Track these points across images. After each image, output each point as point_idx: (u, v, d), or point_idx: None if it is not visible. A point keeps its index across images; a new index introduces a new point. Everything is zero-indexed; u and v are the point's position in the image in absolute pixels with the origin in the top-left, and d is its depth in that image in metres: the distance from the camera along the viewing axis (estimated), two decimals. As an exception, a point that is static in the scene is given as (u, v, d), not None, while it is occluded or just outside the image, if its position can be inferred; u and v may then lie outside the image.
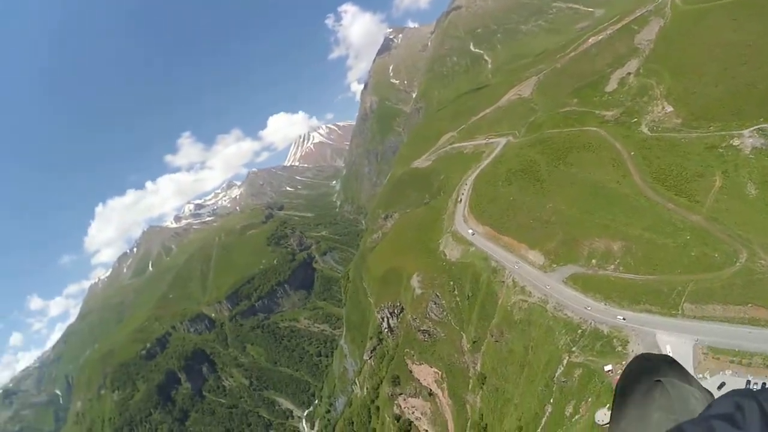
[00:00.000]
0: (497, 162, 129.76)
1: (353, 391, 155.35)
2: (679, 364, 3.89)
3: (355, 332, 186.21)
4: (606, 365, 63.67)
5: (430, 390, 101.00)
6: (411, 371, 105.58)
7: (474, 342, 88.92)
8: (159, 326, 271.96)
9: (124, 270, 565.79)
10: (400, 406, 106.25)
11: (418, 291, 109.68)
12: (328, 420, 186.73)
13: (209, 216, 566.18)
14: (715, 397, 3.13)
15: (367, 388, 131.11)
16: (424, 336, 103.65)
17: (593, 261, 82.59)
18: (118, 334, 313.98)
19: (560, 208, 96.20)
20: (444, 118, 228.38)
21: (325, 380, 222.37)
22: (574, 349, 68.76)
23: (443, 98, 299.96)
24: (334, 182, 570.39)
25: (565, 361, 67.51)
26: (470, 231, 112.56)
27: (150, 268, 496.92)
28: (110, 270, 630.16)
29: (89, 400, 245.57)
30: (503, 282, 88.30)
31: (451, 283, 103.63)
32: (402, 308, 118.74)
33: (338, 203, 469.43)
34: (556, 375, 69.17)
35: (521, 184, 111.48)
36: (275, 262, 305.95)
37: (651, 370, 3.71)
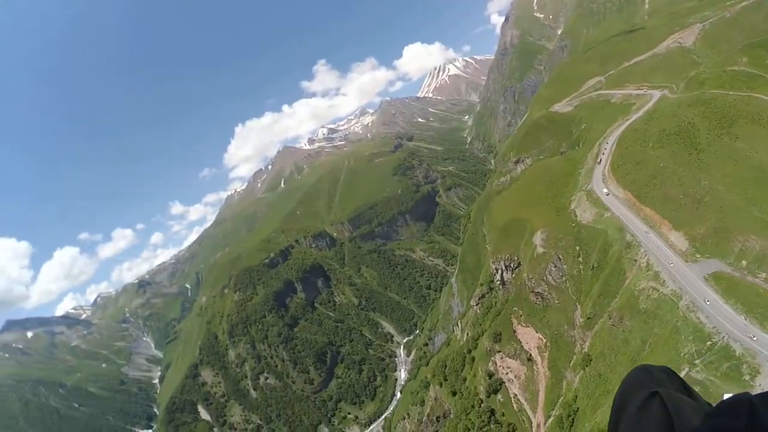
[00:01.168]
0: (649, 118, 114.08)
1: (453, 332, 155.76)
2: (677, 375, 3.98)
3: (467, 274, 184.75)
4: (726, 393, 51.99)
5: (530, 355, 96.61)
6: (515, 331, 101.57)
7: (588, 318, 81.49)
8: (284, 239, 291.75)
9: (258, 185, 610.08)
10: (496, 364, 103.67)
11: (540, 249, 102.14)
12: (424, 353, 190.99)
13: (341, 141, 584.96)
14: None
15: (467, 335, 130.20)
16: (537, 298, 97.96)
17: (743, 262, 69.06)
18: (246, 242, 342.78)
19: (717, 188, 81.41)
20: (591, 60, 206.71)
21: (429, 313, 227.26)
22: (697, 362, 59.13)
23: (591, 38, 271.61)
24: (466, 117, 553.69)
25: (683, 373, 57.35)
26: (605, 191, 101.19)
27: (282, 185, 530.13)
28: (245, 184, 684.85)
29: (213, 297, 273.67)
30: (635, 261, 77.52)
31: (577, 248, 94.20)
32: (519, 264, 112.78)
33: (468, 139, 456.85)
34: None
35: (675, 149, 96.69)
36: (399, 191, 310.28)
37: (649, 382, 3.78)
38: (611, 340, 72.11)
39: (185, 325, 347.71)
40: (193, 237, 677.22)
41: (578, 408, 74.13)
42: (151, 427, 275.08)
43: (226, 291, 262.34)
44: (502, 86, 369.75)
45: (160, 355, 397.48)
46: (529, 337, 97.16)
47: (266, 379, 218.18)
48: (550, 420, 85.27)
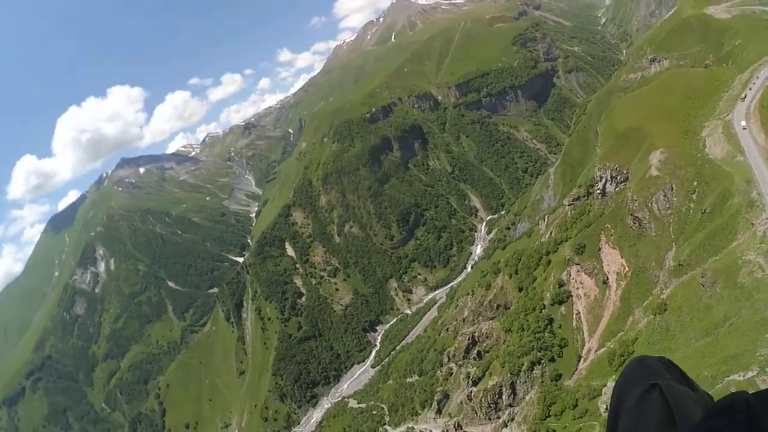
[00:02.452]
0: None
1: (538, 224, 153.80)
2: (677, 366, 3.97)
3: (567, 168, 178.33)
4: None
5: (607, 278, 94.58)
6: (600, 249, 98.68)
7: (680, 265, 76.49)
8: (388, 95, 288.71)
9: (368, 37, 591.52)
10: (570, 275, 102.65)
11: (654, 172, 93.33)
12: (504, 236, 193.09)
13: None
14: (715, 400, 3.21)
15: (551, 234, 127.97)
16: (634, 223, 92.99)
17: None
18: (351, 93, 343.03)
19: None
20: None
21: (519, 197, 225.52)
22: (770, 368, 49.98)
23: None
24: None
25: (747, 375, 49.93)
26: (743, 125, 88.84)
27: (392, 39, 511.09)
28: (355, 35, 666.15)
29: (312, 144, 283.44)
30: (752, 225, 67.09)
31: (695, 183, 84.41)
32: (627, 179, 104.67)
33: (602, 20, 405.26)
34: (732, 378, 51.09)
35: None
36: (515, 63, 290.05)
37: (648, 374, 3.77)
38: (694, 300, 67.46)
39: (284, 168, 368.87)
40: (299, 84, 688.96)
41: (634, 351, 72.20)
42: (243, 255, 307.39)
43: (325, 140, 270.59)
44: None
45: (258, 192, 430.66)
46: (612, 260, 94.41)
47: (350, 227, 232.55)
48: (602, 350, 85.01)
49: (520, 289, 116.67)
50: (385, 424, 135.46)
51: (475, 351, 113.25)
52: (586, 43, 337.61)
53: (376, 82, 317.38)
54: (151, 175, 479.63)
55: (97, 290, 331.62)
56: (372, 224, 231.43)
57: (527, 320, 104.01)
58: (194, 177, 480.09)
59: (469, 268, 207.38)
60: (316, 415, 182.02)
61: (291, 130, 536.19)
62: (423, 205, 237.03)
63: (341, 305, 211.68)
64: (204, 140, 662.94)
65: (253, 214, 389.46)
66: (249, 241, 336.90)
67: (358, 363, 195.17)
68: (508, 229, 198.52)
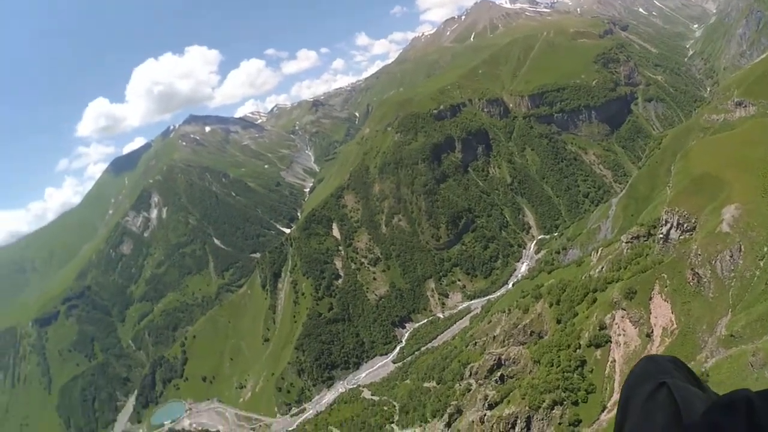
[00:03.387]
0: None
1: (590, 255, 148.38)
2: (684, 364, 4.00)
3: (631, 202, 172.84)
4: None
5: (652, 332, 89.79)
6: (651, 299, 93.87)
7: (731, 336, 71.78)
8: (458, 94, 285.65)
9: (447, 33, 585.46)
10: (613, 319, 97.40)
11: (725, 227, 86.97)
12: (552, 260, 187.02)
13: (545, 8, 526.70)
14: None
15: (602, 269, 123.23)
16: (693, 279, 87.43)
17: None
18: (421, 87, 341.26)
19: None
20: None
21: (575, 223, 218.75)
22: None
23: None
24: (695, 26, 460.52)
25: None
26: None
27: (471, 39, 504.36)
28: (434, 29, 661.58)
29: (376, 131, 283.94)
30: None
31: (765, 249, 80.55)
32: (694, 229, 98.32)
33: (690, 52, 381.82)
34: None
35: None
36: (593, 82, 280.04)
37: (656, 372, 3.81)
38: (738, 378, 61.79)
39: (344, 150, 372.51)
40: (372, 70, 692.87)
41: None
42: (290, 227, 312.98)
43: (389, 129, 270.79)
44: (748, 6, 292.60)
45: (316, 169, 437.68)
46: (662, 313, 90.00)
47: (399, 220, 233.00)
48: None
49: (559, 321, 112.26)
50: (393, 422, 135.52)
51: (499, 374, 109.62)
52: (670, 74, 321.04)
53: (449, 80, 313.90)
54: (215, 135, 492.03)
55: (145, 234, 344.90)
56: (421, 221, 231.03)
57: (559, 356, 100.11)
58: (257, 144, 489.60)
59: (510, 285, 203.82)
60: (328, 396, 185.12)
61: (357, 114, 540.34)
62: (476, 212, 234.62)
63: (375, 295, 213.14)
64: (272, 110, 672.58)
65: (307, 189, 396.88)
66: (298, 214, 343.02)
67: (381, 355, 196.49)
68: (558, 253, 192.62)
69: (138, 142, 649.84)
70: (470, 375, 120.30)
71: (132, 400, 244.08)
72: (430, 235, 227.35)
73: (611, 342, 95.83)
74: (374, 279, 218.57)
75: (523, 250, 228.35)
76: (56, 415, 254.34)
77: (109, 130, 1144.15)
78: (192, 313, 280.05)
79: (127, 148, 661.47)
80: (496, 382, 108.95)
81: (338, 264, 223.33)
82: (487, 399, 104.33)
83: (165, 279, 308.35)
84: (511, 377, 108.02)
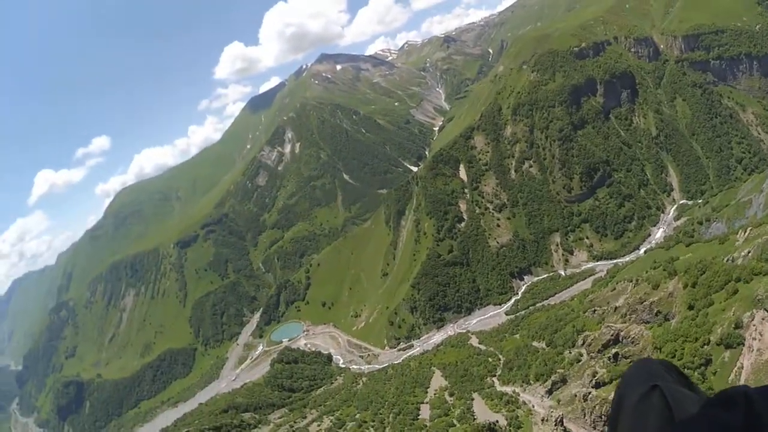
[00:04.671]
0: None
1: (736, 233, 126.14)
2: (677, 368, 4.04)
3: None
4: None
5: None
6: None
7: None
8: (602, 31, 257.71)
9: None
10: (752, 319, 73.57)
11: None
12: (692, 231, 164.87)
13: None
14: None
15: (748, 255, 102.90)
16: None
17: None
18: (561, 22, 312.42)
19: None
20: None
21: (723, 191, 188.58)
22: None
23: None
24: None
25: None
26: None
27: None
28: None
29: (510, 69, 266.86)
30: None
31: None
32: None
33: None
34: None
35: None
36: (757, 27, 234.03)
37: (649, 376, 3.83)
38: None
39: (476, 88, 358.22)
40: (507, 3, 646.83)
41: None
42: (417, 166, 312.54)
43: (524, 67, 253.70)
44: None
45: (446, 107, 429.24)
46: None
47: (530, 167, 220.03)
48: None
49: (691, 307, 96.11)
50: (494, 376, 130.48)
51: (614, 351, 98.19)
52: None
53: (591, 14, 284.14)
54: (346, 73, 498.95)
55: (279, 168, 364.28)
56: (553, 169, 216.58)
57: (683, 348, 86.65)
58: (387, 81, 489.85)
59: (641, 251, 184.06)
60: (437, 337, 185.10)
61: (490, 51, 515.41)
62: (614, 165, 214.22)
63: (497, 242, 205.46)
64: (402, 47, 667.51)
65: (436, 128, 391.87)
66: (426, 153, 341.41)
67: (495, 305, 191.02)
68: (701, 224, 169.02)
69: (273, 82, 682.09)
70: (583, 344, 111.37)
71: (256, 317, 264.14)
72: (562, 185, 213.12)
73: (744, 345, 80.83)
74: (497, 226, 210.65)
75: (662, 215, 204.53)
76: (188, 325, 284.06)
77: (245, 71, 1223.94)
78: (318, 242, 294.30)
79: (263, 88, 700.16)
80: (609, 359, 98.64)
81: (462, 207, 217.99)
82: (595, 377, 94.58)
83: (296, 209, 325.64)
84: (626, 357, 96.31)
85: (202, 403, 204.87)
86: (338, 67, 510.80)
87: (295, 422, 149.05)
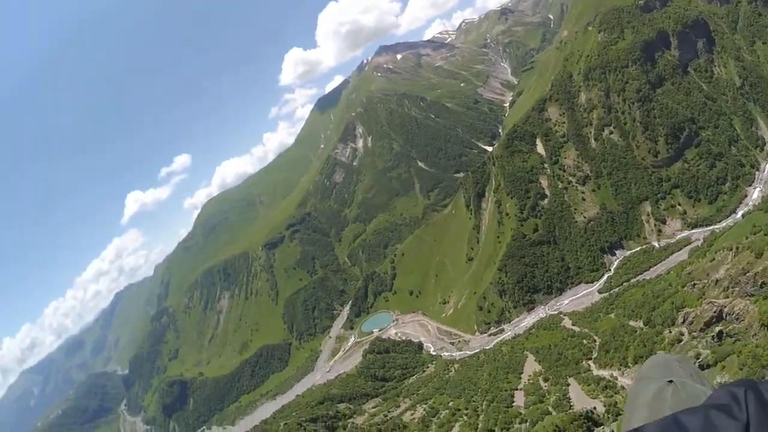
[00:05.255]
0: None
1: None
2: (691, 364, 4.17)
3: None
4: None
5: None
6: None
7: None
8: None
9: None
10: None
11: None
12: None
13: None
14: None
15: None
16: None
17: None
18: None
19: None
20: None
21: None
22: None
23: None
24: None
25: None
26: None
27: None
28: None
29: (575, 33, 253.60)
30: None
31: None
32: None
33: None
34: None
35: None
36: None
37: (664, 371, 3.93)
38: None
39: (542, 57, 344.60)
40: None
41: None
42: (492, 145, 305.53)
43: (589, 28, 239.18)
44: None
45: (514, 81, 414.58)
46: None
47: (610, 133, 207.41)
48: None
49: None
50: (590, 359, 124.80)
51: (717, 329, 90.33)
52: None
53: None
54: (407, 61, 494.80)
55: (354, 163, 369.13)
56: (635, 134, 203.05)
57: None
58: (449, 63, 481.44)
59: (739, 215, 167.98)
60: (528, 320, 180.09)
61: (551, 16, 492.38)
62: (699, 122, 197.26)
63: (584, 217, 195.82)
64: (459, 26, 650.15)
65: (507, 104, 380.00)
66: (500, 131, 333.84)
67: (586, 283, 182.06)
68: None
69: (337, 80, 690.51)
70: (683, 322, 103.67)
71: (346, 310, 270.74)
72: (647, 150, 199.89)
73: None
74: (583, 199, 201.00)
75: (756, 172, 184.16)
76: (281, 321, 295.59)
77: (308, 74, 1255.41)
78: (400, 232, 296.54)
79: (328, 87, 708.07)
80: (713, 339, 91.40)
81: (543, 183, 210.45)
82: (698, 359, 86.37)
83: (375, 202, 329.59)
84: (731, 336, 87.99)
85: (299, 394, 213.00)
86: (398, 56, 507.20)
87: (389, 411, 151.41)
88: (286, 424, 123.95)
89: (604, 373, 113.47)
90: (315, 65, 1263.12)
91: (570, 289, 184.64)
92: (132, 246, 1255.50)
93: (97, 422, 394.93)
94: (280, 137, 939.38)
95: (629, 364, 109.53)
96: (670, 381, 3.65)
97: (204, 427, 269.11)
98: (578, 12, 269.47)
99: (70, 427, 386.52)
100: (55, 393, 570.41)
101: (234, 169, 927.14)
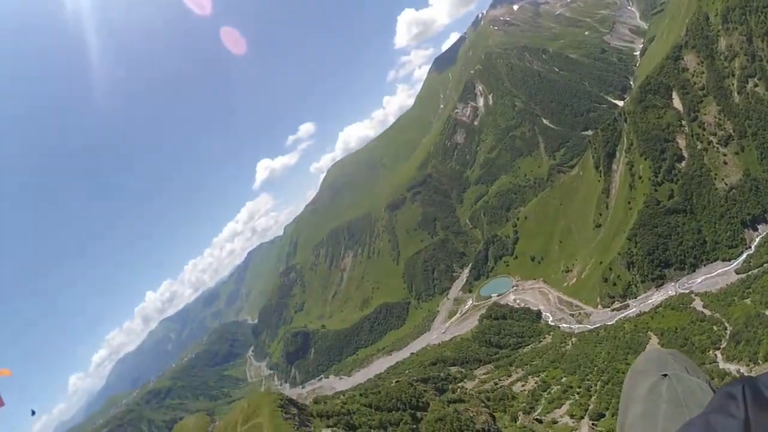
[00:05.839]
0: None
1: None
2: (685, 357, 4.10)
3: None
4: None
5: None
6: None
7: None
8: None
9: None
10: None
11: None
12: None
13: None
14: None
15: None
16: None
17: None
18: None
19: None
20: None
21: None
22: None
23: None
24: None
25: None
26: None
27: None
28: None
29: None
30: None
31: None
32: None
33: None
34: None
35: None
36: None
37: (659, 365, 3.90)
38: None
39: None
40: None
41: None
42: (623, 99, 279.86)
43: None
44: None
45: (644, 26, 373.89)
46: None
47: (755, 86, 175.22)
48: None
49: None
50: (718, 349, 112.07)
51: None
52: None
53: None
54: (525, 12, 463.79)
55: (475, 123, 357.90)
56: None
57: None
58: (570, 10, 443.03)
59: None
60: (655, 297, 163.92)
61: None
62: None
63: (725, 184, 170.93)
64: None
65: (637, 53, 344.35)
66: (631, 83, 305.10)
67: (723, 260, 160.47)
68: None
69: (453, 38, 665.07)
70: None
71: (466, 272, 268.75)
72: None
73: None
74: (725, 163, 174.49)
75: None
76: (401, 281, 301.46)
77: (422, 35, 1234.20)
78: (524, 194, 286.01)
79: (444, 46, 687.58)
80: None
81: (681, 143, 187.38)
82: None
83: (497, 162, 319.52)
84: None
85: (413, 353, 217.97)
86: (515, 7, 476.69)
87: (499, 380, 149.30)
88: (397, 381, 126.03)
89: (731, 367, 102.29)
90: (429, 24, 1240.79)
91: (704, 266, 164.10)
92: (263, 209, 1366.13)
93: (226, 365, 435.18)
94: (399, 100, 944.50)
95: (759, 360, 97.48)
96: (665, 375, 3.62)
97: (322, 375, 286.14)
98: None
99: (202, 368, 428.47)
100: (190, 339, 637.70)
101: (356, 133, 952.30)
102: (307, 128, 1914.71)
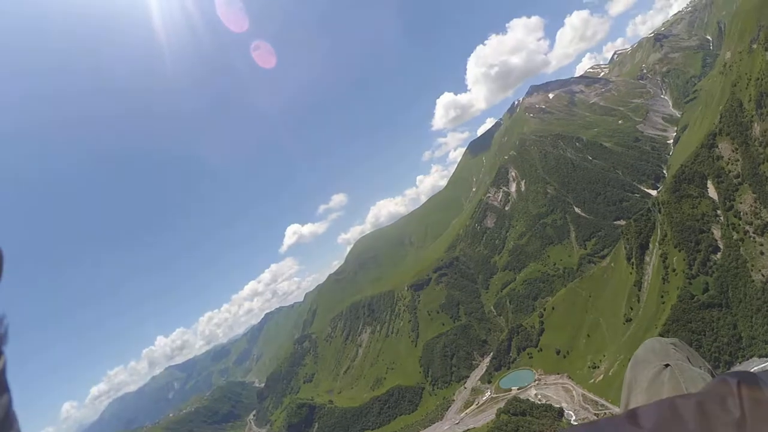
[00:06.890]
0: None
1: None
2: (687, 347, 4.15)
3: None
4: None
5: None
6: None
7: None
8: None
9: None
10: None
11: None
12: None
13: None
14: None
15: None
16: None
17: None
18: None
19: None
20: None
21: None
22: None
23: None
24: None
25: None
26: None
27: None
28: None
29: (739, 53, 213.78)
30: None
31: None
32: None
33: None
34: None
35: None
36: None
37: (661, 354, 3.92)
38: None
39: (706, 84, 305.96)
40: None
41: None
42: (656, 188, 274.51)
43: (754, 47, 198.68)
44: None
45: (677, 114, 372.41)
46: None
47: None
48: None
49: None
50: None
51: None
52: None
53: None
54: (560, 100, 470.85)
55: (506, 208, 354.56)
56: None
57: None
58: (604, 99, 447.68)
59: None
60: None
61: (709, 37, 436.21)
62: None
63: (762, 275, 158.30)
64: (612, 59, 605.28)
65: (671, 141, 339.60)
66: (664, 172, 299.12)
67: (759, 357, 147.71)
68: None
69: (488, 123, 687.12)
70: None
71: (486, 361, 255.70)
72: None
73: None
74: (761, 253, 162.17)
75: None
76: (418, 364, 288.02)
77: (459, 118, 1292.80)
78: (552, 283, 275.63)
79: (480, 130, 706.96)
80: None
81: (716, 233, 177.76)
82: None
83: (527, 249, 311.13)
84: None
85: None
86: (550, 95, 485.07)
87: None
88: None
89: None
90: (466, 109, 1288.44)
91: (740, 363, 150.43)
92: (287, 272, 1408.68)
93: (225, 425, 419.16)
94: (432, 179, 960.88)
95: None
96: (667, 365, 3.59)
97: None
98: (739, 29, 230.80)
99: (200, 424, 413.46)
100: (193, 391, 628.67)
101: (387, 208, 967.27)
102: (339, 199, 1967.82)
